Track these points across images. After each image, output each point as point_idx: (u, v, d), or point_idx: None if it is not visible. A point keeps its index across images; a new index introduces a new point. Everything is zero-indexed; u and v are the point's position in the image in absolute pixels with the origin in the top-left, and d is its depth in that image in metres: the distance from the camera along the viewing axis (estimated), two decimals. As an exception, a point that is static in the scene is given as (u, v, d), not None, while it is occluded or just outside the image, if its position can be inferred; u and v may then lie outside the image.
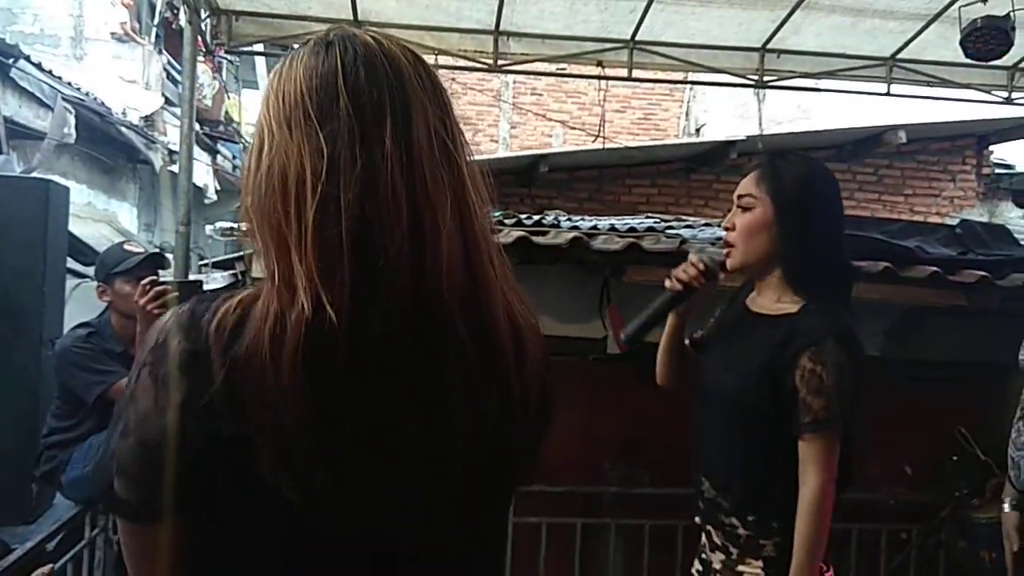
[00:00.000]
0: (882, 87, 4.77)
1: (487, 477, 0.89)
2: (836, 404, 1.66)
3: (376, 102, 0.84)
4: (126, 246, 3.15)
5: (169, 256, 3.92)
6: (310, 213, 0.79)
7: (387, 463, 0.81)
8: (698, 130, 10.64)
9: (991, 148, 7.65)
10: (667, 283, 1.96)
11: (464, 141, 0.92)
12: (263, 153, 0.85)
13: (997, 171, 7.65)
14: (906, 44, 4.53)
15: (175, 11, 10.36)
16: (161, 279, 2.92)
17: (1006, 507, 2.53)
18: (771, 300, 1.83)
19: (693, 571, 2.04)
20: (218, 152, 11.66)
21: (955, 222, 4.68)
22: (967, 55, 4.00)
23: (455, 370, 0.83)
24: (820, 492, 1.71)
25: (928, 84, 4.79)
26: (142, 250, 3.10)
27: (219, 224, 3.81)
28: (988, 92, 4.85)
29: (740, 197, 1.84)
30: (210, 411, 0.77)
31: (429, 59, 3.63)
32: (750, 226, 1.79)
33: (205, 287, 3.49)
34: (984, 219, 6.80)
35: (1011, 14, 3.81)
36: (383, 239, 0.80)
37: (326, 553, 0.82)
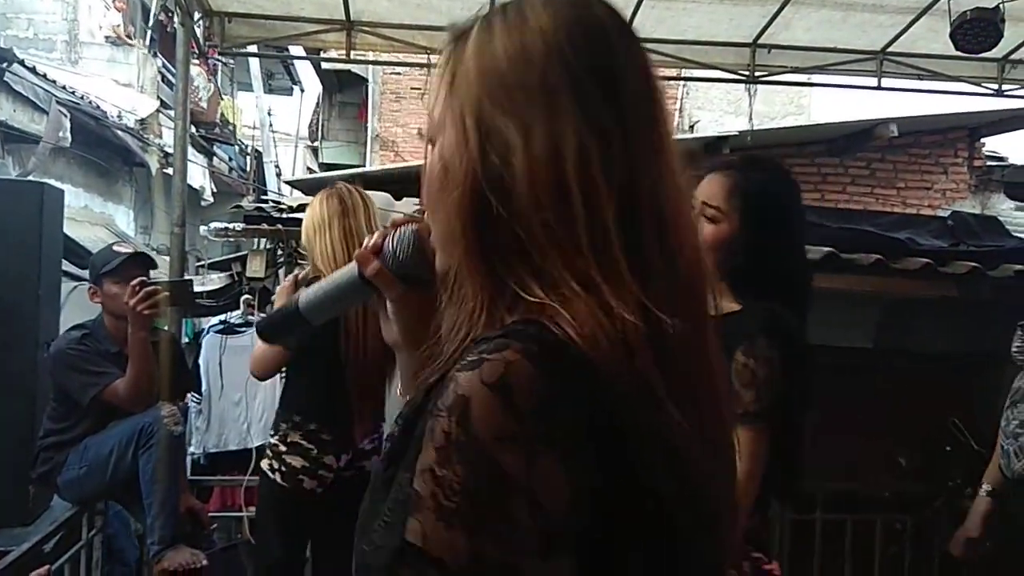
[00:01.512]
0: (873, 81, 4.78)
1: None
2: (765, 398, 1.67)
3: (645, 67, 0.73)
4: (115, 247, 3.15)
5: (165, 258, 3.93)
6: (609, 211, 0.65)
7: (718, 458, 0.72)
8: (692, 127, 10.65)
9: (983, 140, 7.66)
10: None
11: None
12: (519, 140, 0.66)
13: (989, 163, 7.66)
14: (896, 37, 4.53)
15: (169, 14, 10.36)
16: (151, 279, 2.93)
17: (982, 491, 2.55)
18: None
19: None
20: (214, 154, 11.67)
21: (947, 214, 4.71)
22: (957, 48, 4.01)
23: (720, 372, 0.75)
24: (742, 482, 1.74)
25: (919, 77, 4.80)
26: (130, 250, 3.10)
27: (214, 225, 3.82)
28: (979, 84, 4.86)
29: (706, 206, 1.79)
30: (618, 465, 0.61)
31: (421, 59, 3.64)
32: (714, 241, 1.76)
33: (197, 287, 3.50)
34: (976, 211, 6.81)
35: (1000, 6, 3.82)
36: (678, 238, 0.70)
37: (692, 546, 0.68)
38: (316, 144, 15.62)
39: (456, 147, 0.70)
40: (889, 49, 4.64)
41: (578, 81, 0.68)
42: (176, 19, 4.20)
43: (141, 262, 3.05)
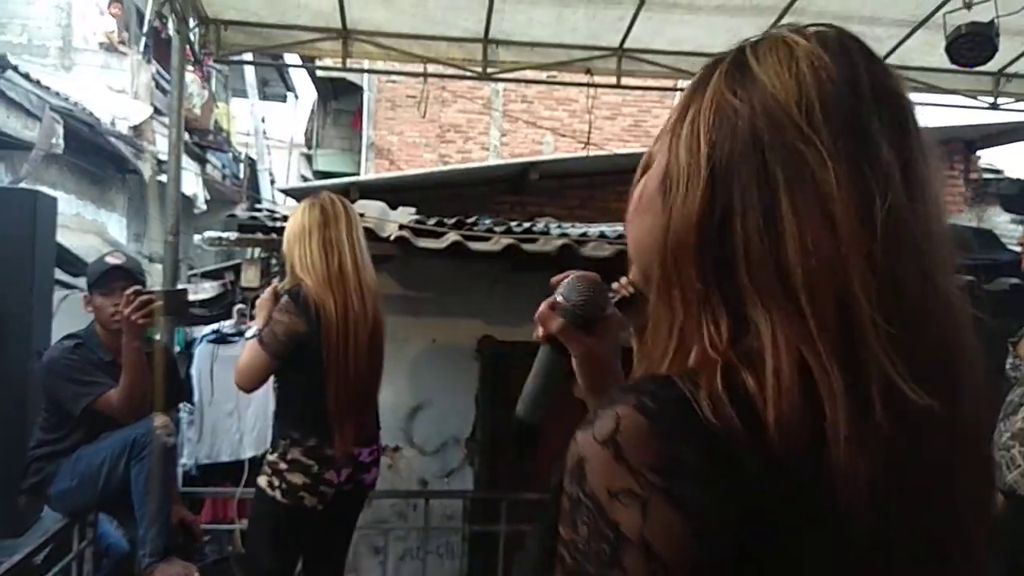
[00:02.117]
0: (869, 93, 4.79)
1: None
2: None
3: (899, 123, 0.69)
4: (107, 257, 3.13)
5: (158, 266, 3.90)
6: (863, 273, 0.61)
7: None
8: (688, 137, 10.66)
9: (978, 153, 7.70)
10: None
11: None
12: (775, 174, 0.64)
13: (985, 176, 7.69)
14: (892, 50, 4.55)
15: (164, 20, 10.33)
16: (146, 288, 2.90)
17: None
18: None
19: None
20: (207, 161, 11.64)
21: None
22: (952, 61, 4.02)
23: None
24: None
25: (914, 90, 4.82)
26: (118, 260, 3.07)
27: (208, 234, 3.79)
28: (974, 98, 4.88)
29: None
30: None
31: (417, 68, 3.62)
32: None
33: (191, 297, 3.48)
34: (972, 224, 6.84)
35: (995, 20, 3.83)
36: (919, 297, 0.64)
37: None
38: (311, 152, 15.60)
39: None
40: (886, 62, 4.65)
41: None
42: (171, 26, 4.18)
43: (125, 274, 3.01)
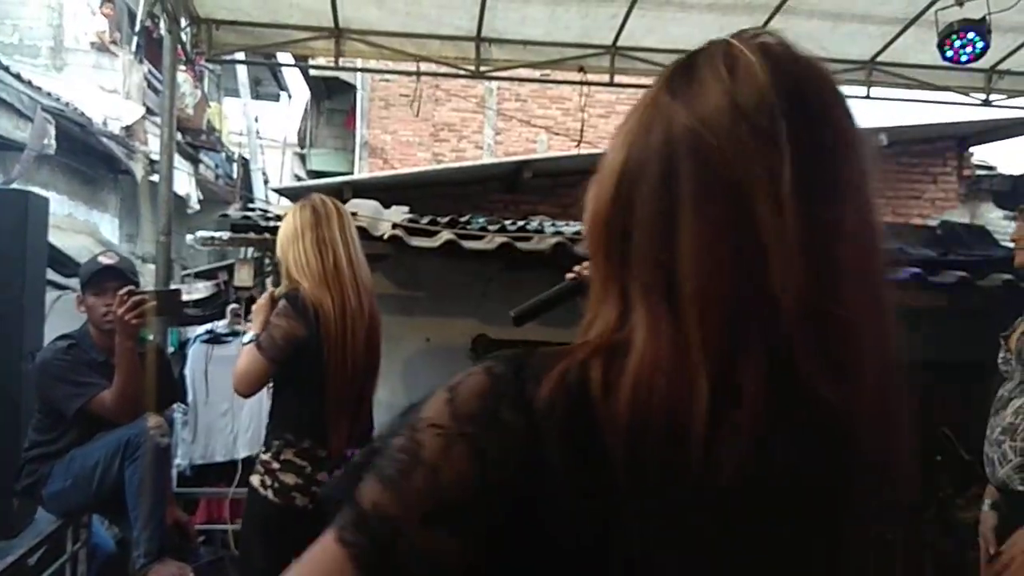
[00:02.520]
0: (862, 90, 4.80)
1: None
2: None
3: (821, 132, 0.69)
4: (100, 257, 3.12)
5: (151, 266, 3.89)
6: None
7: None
8: (681, 135, 10.67)
9: (971, 150, 7.73)
10: (568, 275, 2.10)
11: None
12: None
13: (978, 172, 7.72)
14: (885, 47, 4.56)
15: (155, 20, 10.30)
16: (138, 288, 2.89)
17: (985, 507, 2.56)
18: None
19: None
20: (200, 161, 11.61)
21: (937, 224, 4.72)
22: (944, 58, 4.04)
23: None
24: None
25: (907, 87, 4.83)
26: (110, 260, 3.07)
27: (200, 234, 3.78)
28: (966, 94, 4.89)
29: None
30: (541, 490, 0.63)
31: (410, 67, 3.63)
32: None
33: (184, 297, 3.47)
34: (965, 220, 6.86)
35: (987, 17, 3.85)
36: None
37: None
38: (304, 151, 15.57)
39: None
40: (878, 59, 4.67)
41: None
42: (163, 26, 4.17)
43: (117, 274, 3.00)
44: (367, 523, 0.65)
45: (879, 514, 0.74)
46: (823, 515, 0.69)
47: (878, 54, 4.63)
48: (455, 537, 0.63)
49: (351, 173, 11.45)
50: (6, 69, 6.68)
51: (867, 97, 4.82)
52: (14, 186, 6.06)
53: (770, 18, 4.27)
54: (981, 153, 7.93)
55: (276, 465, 2.52)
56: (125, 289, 2.77)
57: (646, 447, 0.63)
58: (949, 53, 3.95)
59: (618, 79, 4.75)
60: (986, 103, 4.90)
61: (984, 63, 4.24)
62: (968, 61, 3.96)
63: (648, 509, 0.63)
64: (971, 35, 3.86)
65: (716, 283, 0.64)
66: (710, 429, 0.62)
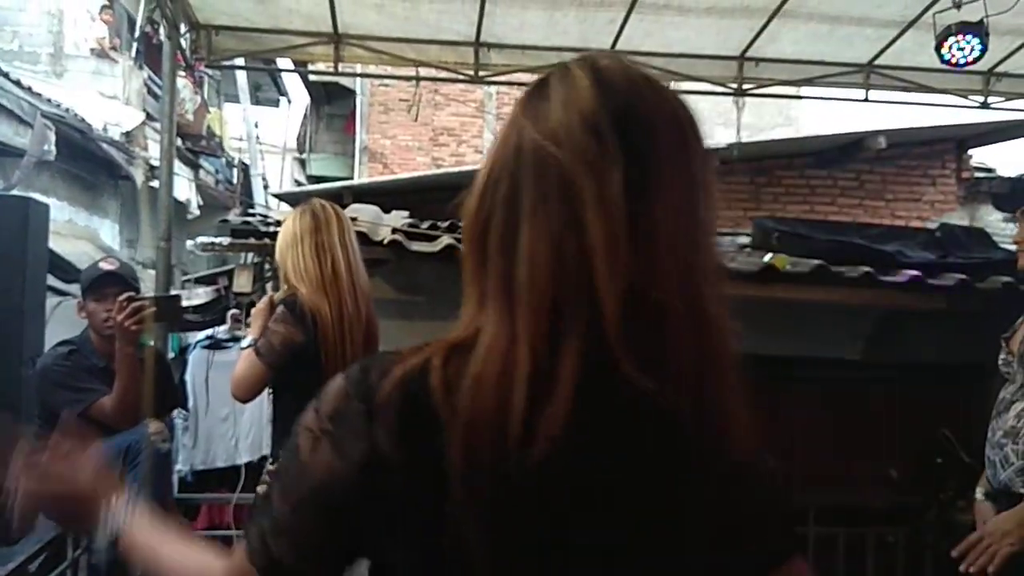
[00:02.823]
0: (861, 93, 4.81)
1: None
2: None
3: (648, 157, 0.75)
4: (101, 263, 3.12)
5: (151, 272, 3.89)
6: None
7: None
8: (681, 138, 10.66)
9: (970, 152, 7.73)
10: None
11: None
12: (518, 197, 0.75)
13: (977, 175, 7.72)
14: (883, 50, 4.56)
15: (155, 26, 10.32)
16: (138, 294, 2.90)
17: (978, 495, 2.55)
18: None
19: None
20: (200, 167, 11.61)
21: (936, 226, 4.73)
22: (942, 61, 4.04)
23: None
24: None
25: (906, 90, 4.84)
26: (110, 266, 3.07)
27: (200, 239, 3.79)
28: (965, 97, 4.90)
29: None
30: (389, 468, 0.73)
31: (409, 71, 3.63)
32: None
33: (183, 302, 3.47)
34: (965, 223, 6.86)
35: (984, 20, 3.85)
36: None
37: None
38: (304, 156, 15.58)
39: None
40: (876, 62, 4.67)
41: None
42: (163, 32, 4.18)
43: (118, 280, 3.00)
44: (255, 518, 0.80)
45: (721, 498, 0.77)
46: (646, 496, 0.75)
47: (876, 57, 4.64)
48: (320, 519, 0.77)
49: (351, 178, 11.45)
50: (6, 76, 6.70)
51: (865, 100, 4.83)
52: (14, 192, 6.07)
53: (768, 21, 4.28)
54: (980, 155, 7.94)
55: None
56: (125, 295, 2.77)
57: (480, 435, 0.70)
58: (947, 56, 3.96)
59: (617, 83, 4.76)
60: (984, 105, 4.90)
61: (982, 65, 4.24)
62: (966, 64, 3.97)
63: (477, 486, 0.70)
64: (969, 37, 3.87)
65: (541, 282, 0.72)
66: (528, 413, 0.69)
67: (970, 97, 4.89)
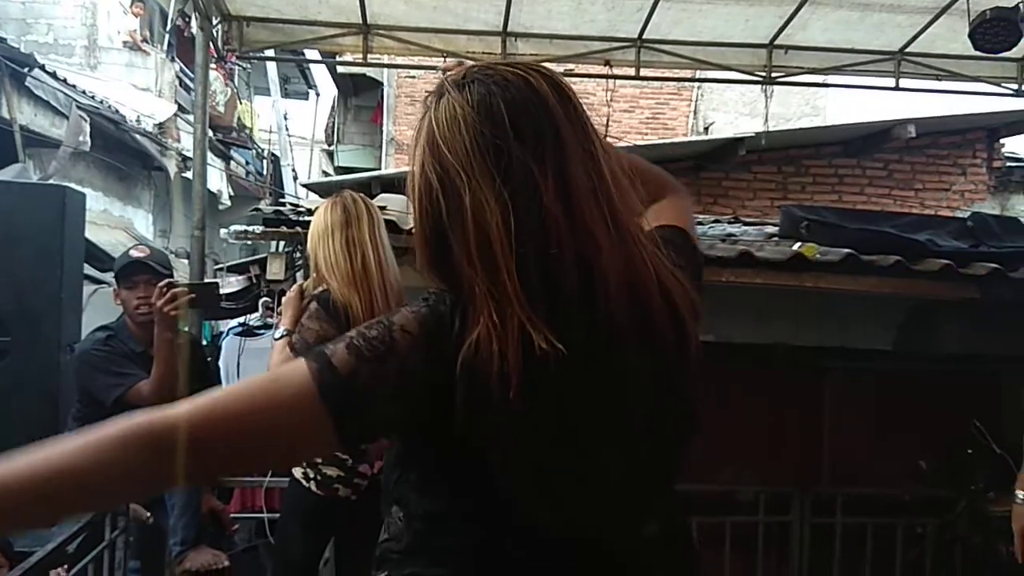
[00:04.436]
0: (891, 81, 4.76)
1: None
2: None
3: (536, 136, 0.94)
4: (131, 251, 3.17)
5: (184, 261, 3.94)
6: (511, 258, 0.91)
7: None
8: (707, 128, 10.62)
9: (1002, 141, 7.61)
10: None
11: (606, 148, 1.00)
12: (462, 196, 0.93)
13: (1008, 164, 7.60)
14: (914, 38, 4.52)
15: (187, 19, 10.42)
16: (177, 281, 2.95)
17: (1019, 497, 2.52)
18: None
19: None
20: (231, 158, 11.74)
21: (967, 215, 4.67)
22: (976, 48, 3.99)
23: (635, 361, 0.96)
24: None
25: (937, 78, 4.78)
26: (140, 254, 3.12)
27: (234, 228, 3.84)
28: (998, 84, 4.83)
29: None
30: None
31: (436, 62, 3.65)
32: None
33: (221, 289, 3.53)
34: (995, 212, 6.77)
35: (1020, 5, 3.80)
36: (561, 274, 0.91)
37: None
38: (332, 148, 15.68)
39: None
40: (907, 49, 4.62)
41: (485, 157, 0.94)
42: (195, 23, 4.23)
43: (147, 268, 3.05)
44: (346, 388, 0.90)
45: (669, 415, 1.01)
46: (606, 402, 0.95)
47: (907, 44, 4.59)
48: (407, 409, 0.93)
49: (378, 169, 11.51)
50: (42, 68, 6.81)
51: (896, 88, 4.78)
52: (51, 182, 6.18)
53: (798, 8, 4.25)
54: (1012, 144, 7.82)
55: (318, 459, 2.57)
56: (165, 281, 2.82)
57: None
58: (981, 42, 3.91)
59: (644, 72, 4.75)
60: (1019, 93, 4.83)
61: (1016, 52, 4.18)
62: (1000, 50, 3.92)
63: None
64: (1004, 24, 3.82)
65: (479, 264, 0.92)
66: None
67: (1003, 85, 4.83)
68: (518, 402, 0.88)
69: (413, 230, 1.03)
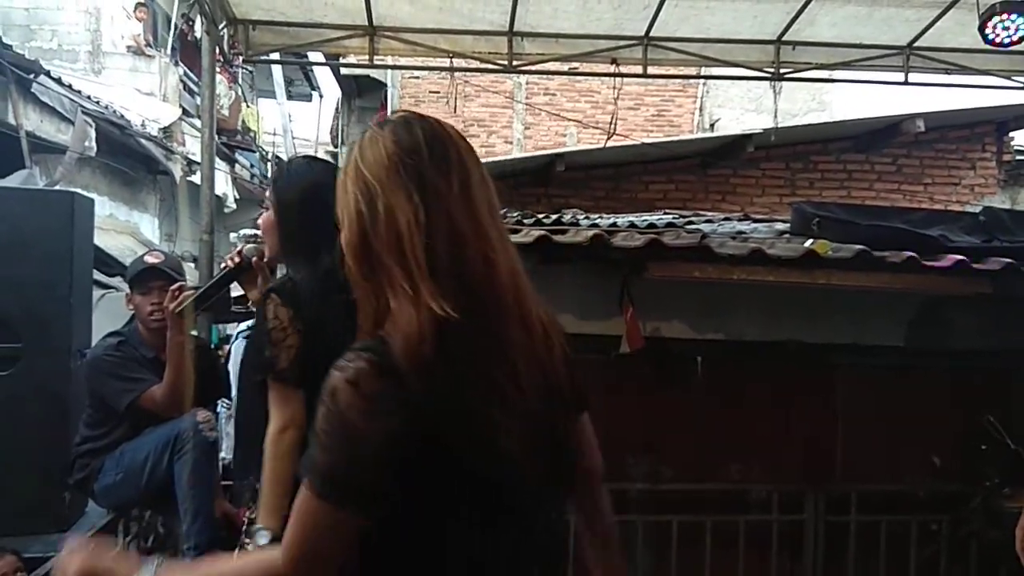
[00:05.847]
0: (899, 76, 4.74)
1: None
2: (282, 355, 1.93)
3: (445, 163, 1.15)
4: (146, 257, 3.18)
5: (190, 265, 3.93)
6: (421, 247, 1.09)
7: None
8: (712, 125, 10.60)
9: (1011, 135, 7.57)
10: (225, 262, 2.53)
11: (486, 179, 1.21)
12: (377, 204, 1.12)
13: (1018, 158, 7.56)
14: (923, 32, 4.50)
15: (190, 23, 10.44)
16: (189, 285, 2.95)
17: None
18: None
19: None
20: (236, 161, 11.75)
21: (978, 210, 4.64)
22: (986, 41, 3.97)
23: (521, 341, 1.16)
24: (272, 436, 1.95)
25: (946, 72, 4.76)
26: (155, 260, 3.13)
27: (243, 231, 3.85)
28: (1007, 78, 4.81)
29: (264, 199, 2.26)
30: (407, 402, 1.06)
31: (444, 62, 3.66)
32: (265, 224, 2.24)
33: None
34: (1006, 206, 6.74)
35: (1029, -2, 3.78)
36: (465, 261, 1.12)
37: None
38: (336, 150, 15.67)
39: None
40: (916, 44, 4.60)
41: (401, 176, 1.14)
42: (199, 27, 4.23)
43: (161, 274, 3.06)
44: (332, 479, 1.06)
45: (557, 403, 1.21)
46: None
47: (916, 39, 4.57)
48: (385, 473, 1.05)
49: (383, 170, 11.49)
50: (47, 74, 6.81)
51: (904, 83, 4.76)
52: (58, 187, 6.18)
53: (806, 4, 4.23)
54: (1021, 138, 7.77)
55: None
56: (177, 285, 2.82)
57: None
58: (991, 35, 3.89)
59: (651, 70, 4.74)
60: (1029, 86, 4.81)
61: (1025, 45, 4.16)
62: (1011, 44, 3.89)
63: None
64: (1014, 16, 3.79)
65: (357, 270, 1.15)
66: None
67: (1013, 78, 4.80)
68: (433, 354, 1.06)
69: (343, 239, 1.17)
